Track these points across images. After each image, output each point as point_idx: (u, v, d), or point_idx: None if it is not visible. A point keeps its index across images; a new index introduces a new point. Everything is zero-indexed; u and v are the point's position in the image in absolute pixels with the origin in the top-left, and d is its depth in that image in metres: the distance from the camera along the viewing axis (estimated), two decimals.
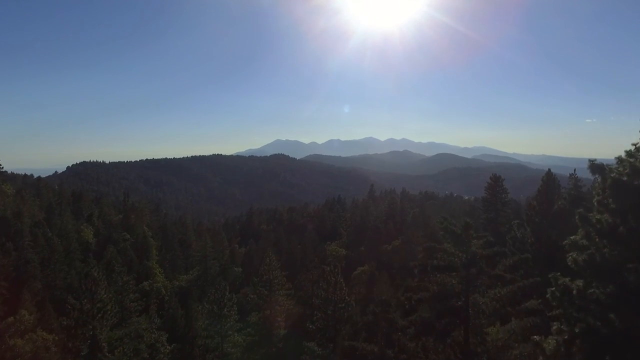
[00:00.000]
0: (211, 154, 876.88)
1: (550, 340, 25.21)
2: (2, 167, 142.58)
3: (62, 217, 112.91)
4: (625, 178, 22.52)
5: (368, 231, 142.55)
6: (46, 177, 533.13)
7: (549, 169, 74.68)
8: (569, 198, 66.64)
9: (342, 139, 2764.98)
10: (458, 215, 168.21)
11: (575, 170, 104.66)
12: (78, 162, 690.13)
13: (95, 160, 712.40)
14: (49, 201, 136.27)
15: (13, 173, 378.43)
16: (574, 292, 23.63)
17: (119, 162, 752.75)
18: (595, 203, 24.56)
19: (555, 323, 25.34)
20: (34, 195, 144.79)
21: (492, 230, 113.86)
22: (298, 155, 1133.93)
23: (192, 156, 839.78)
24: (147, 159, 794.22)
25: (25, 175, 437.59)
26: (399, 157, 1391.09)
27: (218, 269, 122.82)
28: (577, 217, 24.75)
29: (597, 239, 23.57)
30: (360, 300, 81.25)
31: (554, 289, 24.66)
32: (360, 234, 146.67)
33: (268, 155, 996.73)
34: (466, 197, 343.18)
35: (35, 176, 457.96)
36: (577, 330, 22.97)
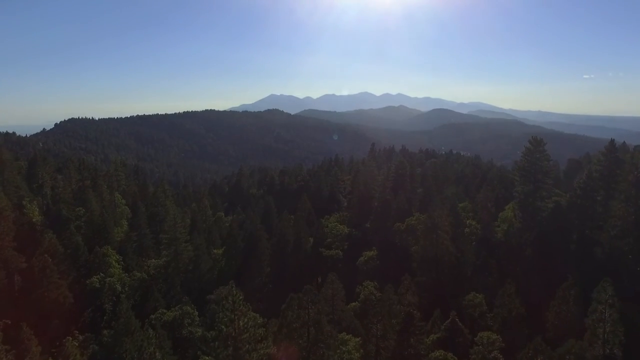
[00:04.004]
0: (204, 109, 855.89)
1: None
2: None
3: None
4: None
5: (374, 202, 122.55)
6: (32, 135, 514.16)
7: None
8: None
9: (337, 94, 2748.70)
10: (472, 181, 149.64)
11: None
12: (66, 119, 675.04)
13: (84, 117, 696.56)
14: None
15: None
16: None
17: (109, 118, 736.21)
18: None
19: None
20: None
21: (531, 206, 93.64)
22: (292, 110, 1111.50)
23: (184, 112, 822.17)
24: (138, 115, 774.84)
25: (7, 133, 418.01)
26: (394, 112, 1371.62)
27: (192, 253, 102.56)
28: None
29: None
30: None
31: None
32: (364, 205, 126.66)
33: (262, 110, 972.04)
34: (463, 153, 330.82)
35: (20, 134, 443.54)
36: None
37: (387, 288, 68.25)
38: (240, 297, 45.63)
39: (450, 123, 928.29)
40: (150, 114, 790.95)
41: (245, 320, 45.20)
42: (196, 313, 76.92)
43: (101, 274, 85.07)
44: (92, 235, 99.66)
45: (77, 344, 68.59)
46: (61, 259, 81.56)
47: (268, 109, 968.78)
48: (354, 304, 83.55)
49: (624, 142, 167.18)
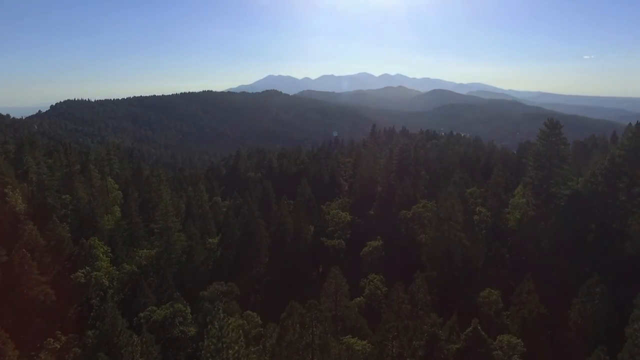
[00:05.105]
0: (201, 90, 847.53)
1: None
2: None
3: None
4: None
5: (377, 186, 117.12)
6: (28, 117, 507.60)
7: None
8: None
9: (336, 75, 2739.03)
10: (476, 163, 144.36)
11: None
12: (62, 101, 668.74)
13: (80, 99, 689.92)
14: None
15: None
16: None
17: (106, 100, 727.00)
18: None
19: None
20: None
21: (545, 193, 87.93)
22: (291, 91, 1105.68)
23: (181, 93, 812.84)
24: (134, 97, 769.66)
25: (1, 115, 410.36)
26: (393, 93, 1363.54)
27: (185, 243, 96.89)
28: None
29: None
30: None
31: None
32: (367, 190, 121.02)
33: (260, 91, 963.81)
34: (463, 135, 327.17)
35: (15, 117, 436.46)
36: None
37: (397, 286, 62.59)
38: (229, 322, 37.44)
39: (449, 104, 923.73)
40: (147, 95, 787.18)
41: (237, 348, 35.95)
42: (189, 310, 71.56)
43: (87, 268, 79.57)
44: (79, 225, 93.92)
45: (59, 346, 63.61)
46: (43, 252, 76.10)
47: (266, 90, 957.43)
48: (358, 299, 78.03)
49: (630, 123, 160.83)
